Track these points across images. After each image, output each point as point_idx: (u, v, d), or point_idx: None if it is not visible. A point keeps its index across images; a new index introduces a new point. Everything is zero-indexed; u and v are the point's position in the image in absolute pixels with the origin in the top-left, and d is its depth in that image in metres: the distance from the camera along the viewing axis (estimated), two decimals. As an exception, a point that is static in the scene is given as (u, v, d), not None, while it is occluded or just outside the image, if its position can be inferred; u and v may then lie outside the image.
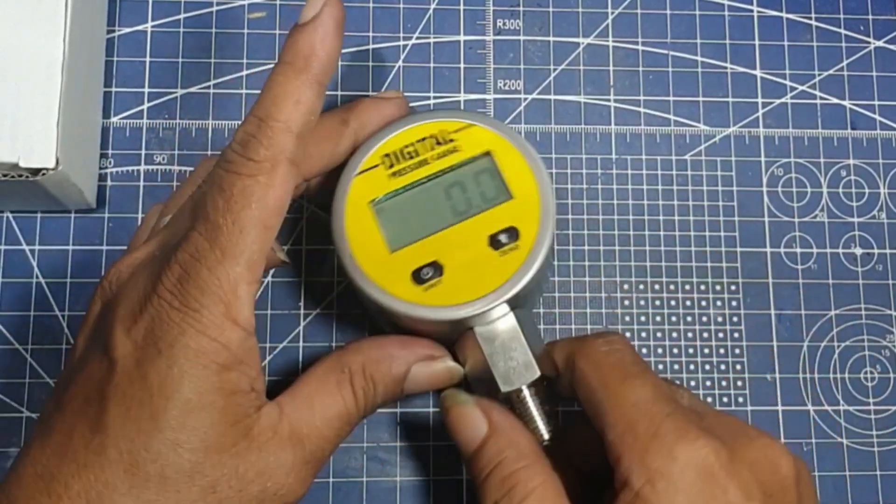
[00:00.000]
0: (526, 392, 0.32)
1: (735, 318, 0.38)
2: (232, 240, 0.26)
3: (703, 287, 0.39)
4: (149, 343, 0.26)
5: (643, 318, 0.38)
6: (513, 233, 0.32)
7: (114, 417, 0.26)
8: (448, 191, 0.33)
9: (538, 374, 0.31)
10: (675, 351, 0.38)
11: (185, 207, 0.29)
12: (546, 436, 0.32)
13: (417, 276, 0.31)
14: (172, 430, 0.25)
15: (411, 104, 0.39)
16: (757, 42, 0.41)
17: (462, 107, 0.40)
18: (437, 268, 0.32)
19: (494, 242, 0.32)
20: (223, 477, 0.26)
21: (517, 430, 0.30)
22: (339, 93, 0.39)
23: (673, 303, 0.38)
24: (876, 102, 0.41)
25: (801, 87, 0.41)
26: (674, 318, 0.38)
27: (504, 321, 0.32)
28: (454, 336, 0.33)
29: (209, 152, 0.38)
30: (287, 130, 0.27)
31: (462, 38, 0.40)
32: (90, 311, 0.29)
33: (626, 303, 0.38)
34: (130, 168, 0.38)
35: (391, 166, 0.33)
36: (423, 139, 0.33)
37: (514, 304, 0.32)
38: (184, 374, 0.26)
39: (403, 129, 0.33)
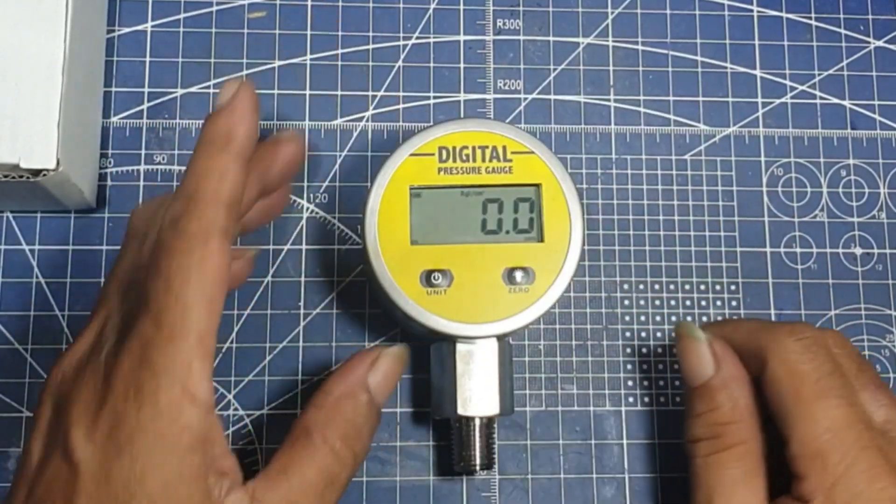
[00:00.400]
0: (477, 422, 0.32)
1: (735, 318, 0.38)
2: (177, 318, 0.25)
3: (703, 287, 0.39)
4: (109, 440, 0.25)
5: (643, 318, 0.38)
6: (529, 275, 0.32)
7: None
8: (486, 205, 0.33)
9: (497, 411, 0.32)
10: (675, 351, 0.38)
11: (112, 290, 0.29)
12: (478, 465, 0.33)
13: (427, 278, 0.32)
14: None
15: (411, 104, 0.39)
16: (757, 42, 0.41)
17: (462, 107, 0.40)
18: (448, 277, 0.32)
19: (509, 276, 0.32)
20: None
21: (740, 384, 0.32)
22: (339, 92, 0.39)
23: (673, 303, 0.38)
24: (876, 102, 0.41)
25: (801, 87, 0.41)
26: (674, 318, 0.38)
27: (486, 347, 0.32)
28: (435, 339, 0.33)
29: (209, 152, 0.38)
30: (215, 202, 0.27)
31: (462, 38, 0.40)
32: (40, 413, 0.28)
33: (626, 303, 0.38)
34: (130, 168, 0.38)
35: (443, 160, 0.33)
36: (483, 147, 0.33)
37: (503, 336, 0.32)
38: (146, 466, 0.25)
39: (467, 129, 0.33)
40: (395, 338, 0.37)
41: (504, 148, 0.33)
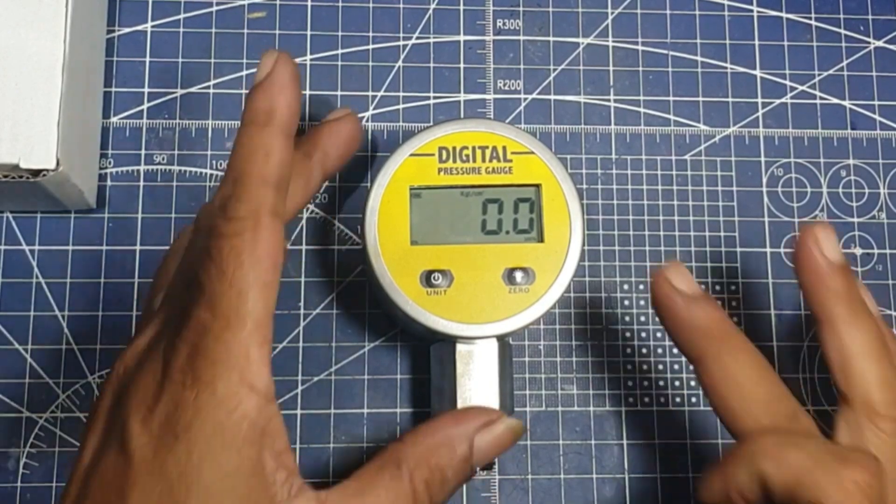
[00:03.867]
0: None
1: (735, 318, 0.38)
2: (233, 304, 0.25)
3: (703, 287, 0.39)
4: (166, 430, 0.25)
5: (643, 318, 0.38)
6: (529, 275, 0.32)
7: None
8: (486, 206, 0.33)
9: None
10: (675, 351, 0.38)
11: (176, 284, 0.28)
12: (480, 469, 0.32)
13: (427, 279, 0.32)
14: None
15: (411, 104, 0.39)
16: (757, 42, 0.41)
17: (462, 107, 0.40)
18: (448, 277, 0.32)
19: (509, 277, 0.32)
20: None
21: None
22: (339, 92, 0.39)
23: (673, 303, 0.38)
24: (876, 102, 0.41)
25: (801, 87, 0.41)
26: (674, 318, 0.38)
27: (486, 348, 0.32)
28: (435, 340, 0.33)
29: (209, 152, 0.38)
30: (263, 183, 0.27)
31: (462, 38, 0.40)
32: (100, 405, 0.27)
33: (626, 303, 0.38)
34: (130, 168, 0.38)
35: (443, 161, 0.33)
36: (483, 147, 0.33)
37: (503, 337, 0.32)
38: (203, 456, 0.24)
39: (467, 129, 0.33)
40: (395, 338, 0.37)
41: (504, 148, 0.33)
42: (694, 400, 0.38)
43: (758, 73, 0.41)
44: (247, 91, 0.39)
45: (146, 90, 0.39)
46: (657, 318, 0.38)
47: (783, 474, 0.26)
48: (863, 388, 0.28)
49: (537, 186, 0.33)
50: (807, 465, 0.26)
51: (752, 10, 0.42)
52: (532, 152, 0.33)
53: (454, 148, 0.33)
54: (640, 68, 0.41)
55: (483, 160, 0.33)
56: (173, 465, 0.24)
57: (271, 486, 0.25)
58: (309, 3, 0.40)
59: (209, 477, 0.24)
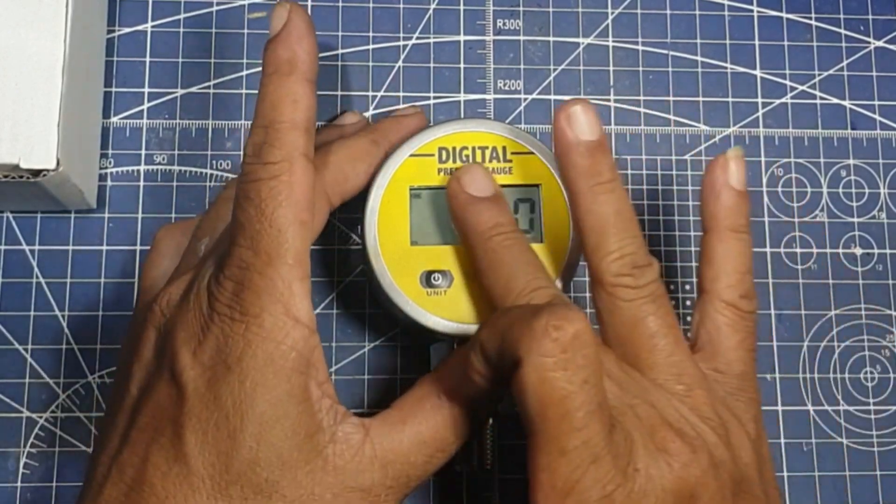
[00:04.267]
0: None
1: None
2: (273, 241, 0.26)
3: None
4: (217, 362, 0.26)
5: (643, 318, 0.38)
6: None
7: (191, 445, 0.25)
8: None
9: (497, 412, 0.32)
10: (675, 351, 0.38)
11: (226, 231, 0.30)
12: (479, 465, 0.32)
13: (427, 279, 0.32)
14: (250, 448, 0.25)
15: (411, 104, 0.39)
16: (757, 42, 0.41)
17: (462, 107, 0.40)
18: (448, 278, 0.32)
19: None
20: (299, 497, 0.25)
21: None
22: (339, 92, 0.39)
23: (673, 302, 0.38)
24: (876, 102, 0.41)
25: (801, 87, 0.41)
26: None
27: None
28: (435, 340, 0.33)
29: (209, 152, 0.38)
30: (293, 128, 0.28)
31: (462, 38, 0.40)
32: (142, 339, 0.28)
33: (626, 303, 0.38)
34: (130, 168, 0.38)
35: (443, 161, 0.33)
36: (483, 148, 0.33)
37: None
38: (256, 386, 0.25)
39: (467, 129, 0.33)
40: (395, 338, 0.37)
41: (504, 148, 0.33)
42: (694, 400, 0.37)
43: (758, 73, 0.41)
44: (247, 91, 0.39)
45: (146, 90, 0.39)
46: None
47: (492, 339, 0.26)
48: (596, 259, 0.29)
49: (537, 186, 0.33)
50: (508, 323, 0.25)
51: (752, 10, 0.42)
52: (532, 152, 0.33)
53: (454, 148, 0.33)
54: (640, 68, 0.41)
55: (483, 160, 0.33)
56: (227, 394, 0.25)
57: (318, 412, 0.26)
58: (309, 3, 0.40)
59: (262, 405, 0.25)
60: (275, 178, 0.27)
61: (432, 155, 0.33)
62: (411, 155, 0.33)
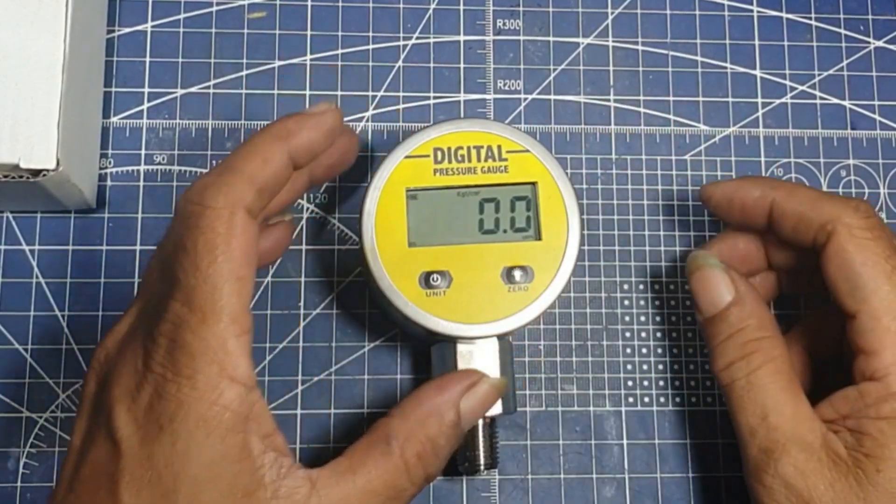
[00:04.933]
0: (480, 422, 0.32)
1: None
2: (208, 298, 0.25)
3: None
4: (150, 420, 0.25)
5: (643, 318, 0.38)
6: (528, 273, 0.32)
7: (126, 502, 0.25)
8: (482, 205, 0.33)
9: (499, 411, 0.32)
10: (675, 351, 0.38)
11: (153, 269, 0.29)
12: (483, 465, 0.32)
13: (426, 280, 0.32)
14: None
15: (411, 104, 0.39)
16: (757, 42, 0.41)
17: (462, 107, 0.40)
18: (447, 278, 0.32)
19: (508, 275, 0.32)
20: None
21: (761, 303, 0.33)
22: (339, 92, 0.39)
23: (673, 303, 0.38)
24: (876, 102, 0.41)
25: (801, 87, 0.41)
26: (674, 318, 0.38)
27: (486, 348, 0.32)
28: (435, 340, 0.33)
29: (209, 152, 0.38)
30: (248, 181, 0.27)
31: (462, 38, 0.40)
32: (85, 391, 0.28)
33: (626, 303, 0.38)
34: (130, 168, 0.38)
35: (438, 161, 0.33)
36: (478, 147, 0.33)
37: (503, 336, 0.32)
38: (188, 447, 0.25)
39: (461, 129, 0.33)
40: (394, 338, 0.37)
41: (499, 147, 0.33)
42: (694, 400, 0.38)
43: (758, 73, 0.41)
44: (246, 91, 0.39)
45: (146, 90, 0.39)
46: (657, 319, 0.38)
47: (793, 203, 0.32)
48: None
49: (533, 184, 0.33)
50: (814, 195, 0.32)
51: (752, 10, 0.42)
52: (527, 150, 0.33)
53: (449, 148, 0.33)
54: (640, 68, 0.41)
55: (478, 160, 0.33)
56: (160, 454, 0.25)
57: (259, 468, 0.26)
58: (309, 3, 0.40)
59: (196, 466, 0.25)
60: (212, 229, 0.26)
61: (427, 156, 0.33)
62: (407, 156, 0.33)
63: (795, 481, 0.30)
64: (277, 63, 0.39)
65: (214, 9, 0.40)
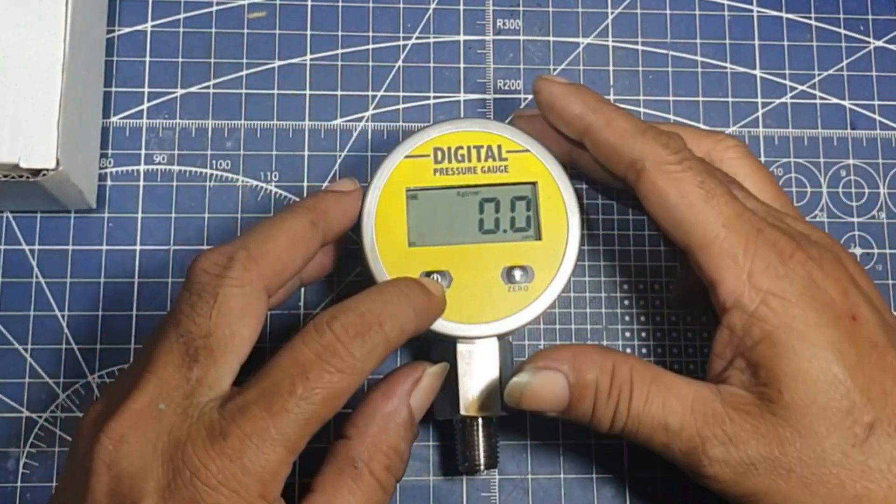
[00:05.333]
0: (480, 422, 0.32)
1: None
2: (281, 421, 0.26)
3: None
4: None
5: (643, 318, 0.38)
6: (528, 273, 0.32)
7: None
8: (482, 205, 0.33)
9: (499, 411, 0.32)
10: (675, 351, 0.38)
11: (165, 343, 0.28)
12: (483, 465, 0.32)
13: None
14: None
15: (411, 104, 0.40)
16: (757, 42, 0.41)
17: (462, 107, 0.40)
18: (447, 278, 0.32)
19: (508, 275, 0.32)
20: None
21: (587, 363, 0.30)
22: (339, 92, 0.39)
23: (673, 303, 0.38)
24: (876, 102, 0.41)
25: (801, 87, 0.41)
26: (674, 318, 0.38)
27: (486, 346, 0.32)
28: (436, 340, 0.33)
29: (209, 152, 0.38)
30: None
31: (462, 38, 0.40)
32: (94, 483, 0.26)
33: (626, 303, 0.38)
34: (130, 168, 0.38)
35: (438, 161, 0.33)
36: (479, 147, 0.33)
37: (504, 336, 0.33)
38: None
39: (461, 129, 0.33)
40: (395, 338, 0.37)
41: (499, 147, 0.33)
42: (694, 400, 0.37)
43: (758, 73, 0.41)
44: (246, 91, 0.39)
45: (146, 90, 0.39)
46: (657, 319, 0.38)
47: (606, 133, 0.32)
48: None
49: (533, 184, 0.33)
50: (628, 129, 0.32)
51: (752, 10, 0.42)
52: (527, 150, 0.33)
53: (449, 148, 0.33)
54: (640, 68, 0.41)
55: (478, 160, 0.33)
56: None
57: None
58: (309, 3, 0.40)
59: None
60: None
61: (427, 156, 0.33)
62: (406, 156, 0.33)
63: (729, 455, 0.28)
64: (277, 63, 0.39)
65: (214, 9, 0.40)
